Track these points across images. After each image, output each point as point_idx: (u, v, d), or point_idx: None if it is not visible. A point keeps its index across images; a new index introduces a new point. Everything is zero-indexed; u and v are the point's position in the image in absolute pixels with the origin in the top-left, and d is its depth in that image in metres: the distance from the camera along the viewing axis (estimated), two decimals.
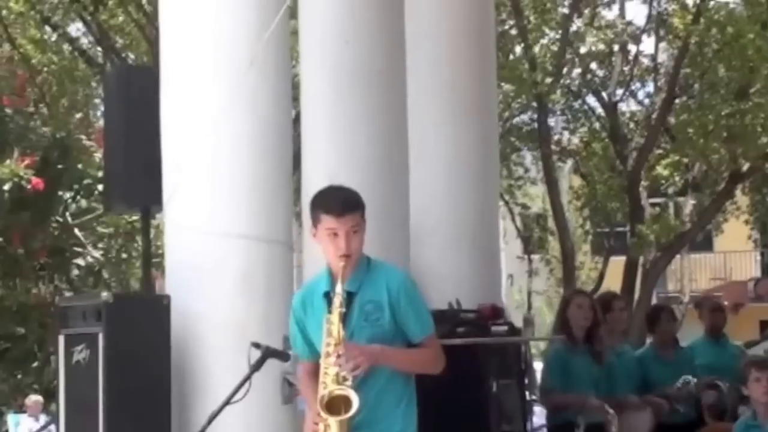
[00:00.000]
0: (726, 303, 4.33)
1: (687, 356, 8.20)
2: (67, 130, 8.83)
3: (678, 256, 17.88)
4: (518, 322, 8.26)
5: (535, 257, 21.65)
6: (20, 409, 16.38)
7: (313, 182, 6.73)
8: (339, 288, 4.32)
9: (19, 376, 9.54)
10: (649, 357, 7.99)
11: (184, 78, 6.15)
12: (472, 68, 8.19)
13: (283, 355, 4.36)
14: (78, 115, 18.77)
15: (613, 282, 18.05)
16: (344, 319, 4.38)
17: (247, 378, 4.10)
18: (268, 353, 4.22)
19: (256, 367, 4.16)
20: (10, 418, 16.49)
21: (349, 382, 4.25)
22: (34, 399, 15.68)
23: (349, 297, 4.41)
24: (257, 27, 6.07)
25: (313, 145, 6.89)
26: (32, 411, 16.32)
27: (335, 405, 4.21)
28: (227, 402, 4.04)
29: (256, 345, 4.25)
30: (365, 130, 6.76)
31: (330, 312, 4.33)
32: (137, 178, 6.54)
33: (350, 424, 4.23)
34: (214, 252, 5.89)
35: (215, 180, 5.97)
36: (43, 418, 16.37)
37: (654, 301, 18.90)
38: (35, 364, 9.23)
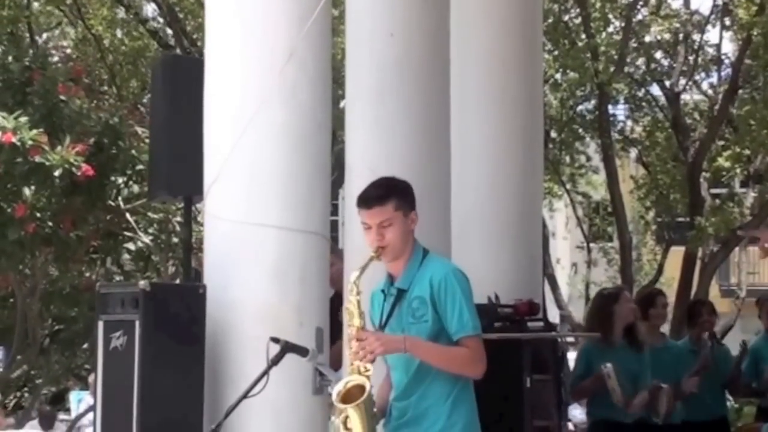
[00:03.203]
0: (766, 245, 4.26)
1: (725, 352, 8.18)
2: (120, 116, 8.92)
3: (737, 248, 17.61)
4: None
5: (594, 247, 21.46)
6: (86, 386, 16.64)
7: (356, 172, 6.78)
8: (354, 276, 4.33)
9: (68, 356, 9.73)
10: (685, 351, 7.95)
11: (225, 68, 6.22)
12: (518, 61, 8.08)
13: (302, 350, 4.41)
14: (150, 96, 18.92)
15: (673, 273, 17.87)
16: (391, 316, 4.42)
17: (265, 373, 4.16)
18: (287, 348, 4.27)
19: (275, 362, 4.22)
20: (73, 395, 16.78)
21: (369, 372, 4.28)
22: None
23: (401, 294, 4.42)
24: (298, 18, 6.11)
25: (357, 136, 6.92)
26: (93, 389, 16.52)
27: (352, 395, 4.25)
28: (244, 396, 4.11)
29: (275, 340, 4.31)
30: (408, 122, 6.76)
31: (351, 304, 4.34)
32: (180, 167, 6.65)
33: (368, 407, 4.25)
34: (250, 242, 5.95)
35: (252, 171, 6.03)
36: None
37: (717, 293, 18.66)
38: (85, 346, 9.40)
